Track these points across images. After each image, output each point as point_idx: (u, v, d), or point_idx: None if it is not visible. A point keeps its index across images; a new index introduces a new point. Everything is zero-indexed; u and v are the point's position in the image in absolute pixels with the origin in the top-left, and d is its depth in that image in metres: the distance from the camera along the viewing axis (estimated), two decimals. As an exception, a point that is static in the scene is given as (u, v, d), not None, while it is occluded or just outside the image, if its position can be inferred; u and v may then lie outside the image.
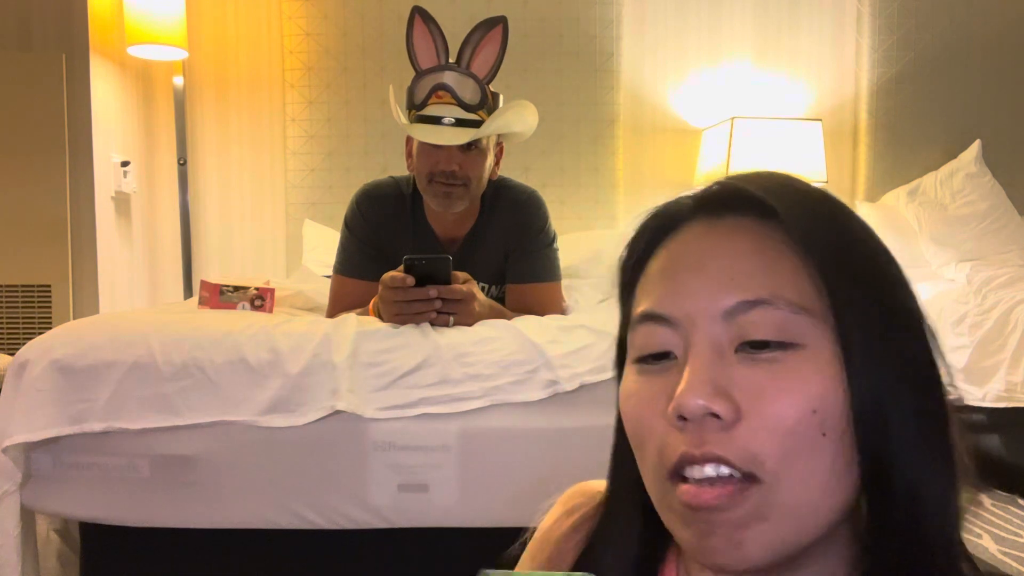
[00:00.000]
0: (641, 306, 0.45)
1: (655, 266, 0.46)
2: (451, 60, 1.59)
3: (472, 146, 1.57)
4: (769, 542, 0.40)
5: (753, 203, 0.44)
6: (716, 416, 0.40)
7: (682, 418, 0.40)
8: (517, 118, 1.62)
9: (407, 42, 1.59)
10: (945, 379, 0.44)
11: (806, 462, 0.39)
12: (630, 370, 0.46)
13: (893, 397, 0.41)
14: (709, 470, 0.40)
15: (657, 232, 0.48)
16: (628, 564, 0.49)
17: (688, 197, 0.48)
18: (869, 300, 0.42)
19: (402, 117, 1.60)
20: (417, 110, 1.57)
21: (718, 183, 0.47)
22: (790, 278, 0.42)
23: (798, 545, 0.40)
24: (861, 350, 0.41)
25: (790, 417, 0.39)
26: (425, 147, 1.58)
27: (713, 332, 0.42)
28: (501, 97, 1.62)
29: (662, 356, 0.44)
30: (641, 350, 0.45)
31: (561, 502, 0.58)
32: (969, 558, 0.43)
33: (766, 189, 0.44)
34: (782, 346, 0.41)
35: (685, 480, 0.41)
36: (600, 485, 0.55)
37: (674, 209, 0.48)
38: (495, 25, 1.58)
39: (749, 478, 0.39)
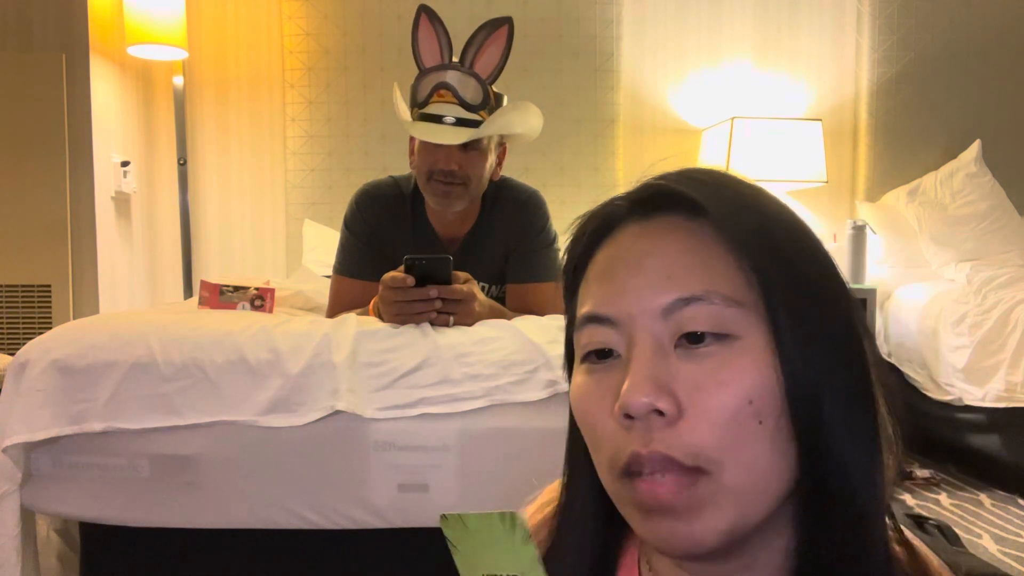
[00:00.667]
0: (584, 307, 0.47)
1: (595, 269, 0.48)
2: (455, 59, 1.59)
3: (472, 146, 1.57)
4: (721, 527, 0.42)
5: (683, 202, 0.46)
6: (660, 412, 0.41)
7: (628, 416, 0.42)
8: (519, 119, 1.62)
9: (412, 40, 1.59)
10: (871, 356, 0.46)
11: (747, 450, 0.42)
12: (579, 370, 0.47)
13: (824, 380, 0.43)
14: (659, 474, 0.42)
15: (594, 235, 0.49)
16: (589, 555, 0.51)
17: (621, 199, 0.49)
18: (798, 288, 0.44)
19: (404, 114, 1.60)
20: (419, 108, 1.57)
21: (648, 184, 0.48)
22: (722, 273, 0.44)
23: (747, 526, 0.43)
24: (792, 338, 0.43)
25: (728, 409, 0.41)
26: (425, 145, 1.58)
27: (653, 329, 0.43)
28: (505, 98, 1.62)
29: (606, 354, 0.45)
30: (586, 349, 0.46)
31: (539, 498, 0.60)
32: (899, 530, 0.46)
33: (695, 188, 0.46)
34: (718, 338, 0.43)
35: (639, 474, 0.43)
36: None
37: (609, 211, 0.49)
38: (500, 26, 1.57)
39: (696, 471, 0.41)
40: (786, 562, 0.45)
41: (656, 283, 0.44)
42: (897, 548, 0.46)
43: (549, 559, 0.51)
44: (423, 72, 1.58)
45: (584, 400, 0.46)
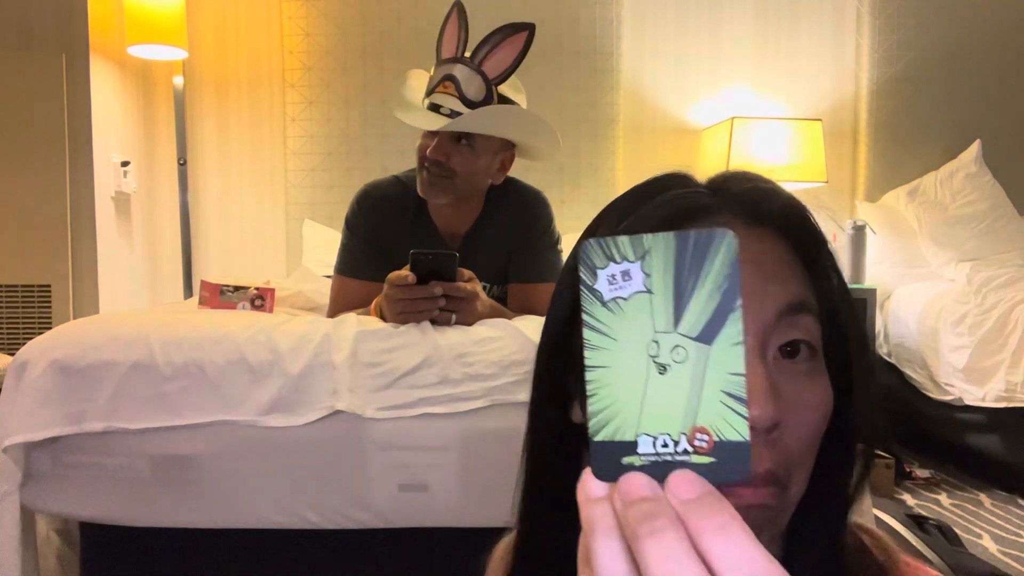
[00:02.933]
0: None
1: None
2: (467, 55, 1.61)
3: (465, 141, 1.57)
4: (774, 534, 0.43)
5: (783, 217, 0.45)
6: (774, 426, 0.40)
7: None
8: (502, 123, 1.60)
9: (440, 32, 1.63)
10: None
11: (808, 465, 0.43)
12: None
13: (847, 401, 0.45)
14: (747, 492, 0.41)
15: (665, 222, 0.45)
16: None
17: (702, 190, 0.47)
18: (850, 310, 0.46)
19: (398, 95, 1.66)
20: (427, 96, 1.61)
21: (753, 189, 0.46)
22: (811, 289, 0.45)
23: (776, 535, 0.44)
24: (840, 373, 0.45)
25: (811, 427, 0.42)
26: (424, 132, 1.61)
27: (764, 334, 0.42)
28: (520, 105, 1.64)
29: None
30: None
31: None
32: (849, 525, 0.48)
33: (787, 205, 0.46)
34: (810, 352, 0.43)
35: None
36: None
37: (689, 202, 0.46)
38: (519, 31, 1.59)
39: (780, 484, 0.41)
40: (778, 552, 0.47)
41: (773, 283, 0.42)
42: (850, 539, 0.48)
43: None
44: (437, 63, 1.62)
45: None
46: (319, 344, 1.33)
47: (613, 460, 0.27)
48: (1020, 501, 2.26)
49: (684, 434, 0.27)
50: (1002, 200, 2.93)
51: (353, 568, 1.40)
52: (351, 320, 1.42)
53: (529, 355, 1.36)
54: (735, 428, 0.27)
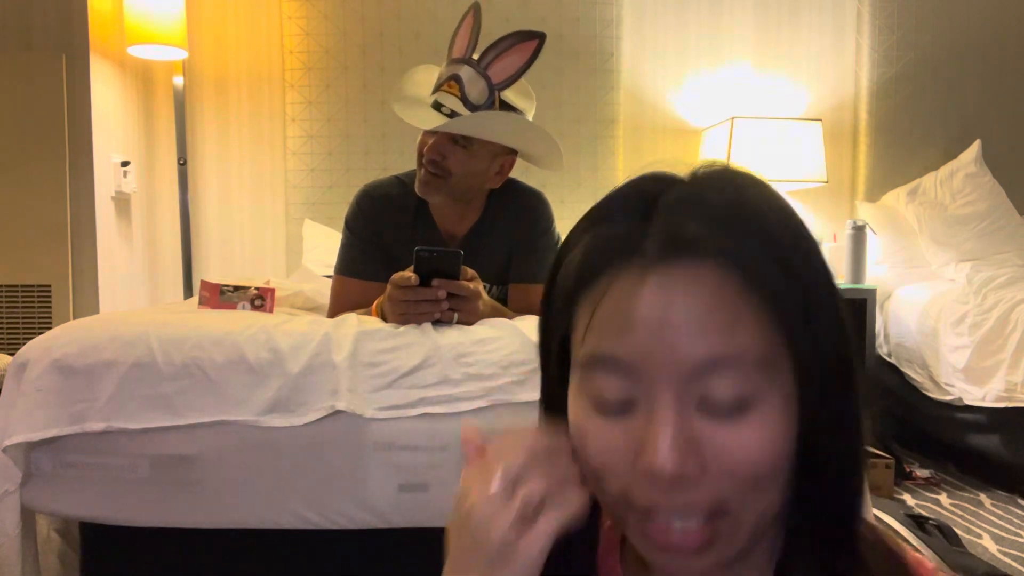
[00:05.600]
0: (597, 345, 0.45)
1: (608, 305, 0.44)
2: (475, 57, 1.61)
3: (462, 143, 1.57)
4: (725, 556, 0.44)
5: (712, 240, 0.42)
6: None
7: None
8: (497, 130, 1.60)
9: (455, 30, 1.63)
10: (859, 372, 0.46)
11: (763, 494, 0.44)
12: (586, 406, 0.45)
13: (833, 416, 0.44)
14: (677, 519, 0.43)
15: (604, 255, 0.45)
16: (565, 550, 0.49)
17: (635, 225, 0.44)
18: (823, 344, 0.44)
19: (399, 91, 1.67)
20: (433, 93, 1.62)
21: (668, 228, 0.43)
22: (751, 328, 0.42)
23: (744, 551, 0.45)
24: (813, 395, 0.43)
25: (751, 466, 0.42)
26: (424, 129, 1.61)
27: (679, 387, 0.42)
28: (527, 114, 1.65)
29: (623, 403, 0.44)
30: (599, 398, 0.45)
31: None
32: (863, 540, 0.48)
33: (724, 226, 0.42)
34: (741, 402, 0.42)
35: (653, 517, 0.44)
36: None
37: (623, 237, 0.45)
38: (529, 38, 1.58)
39: (716, 514, 0.43)
40: (771, 558, 0.48)
41: (685, 339, 0.41)
42: (869, 535, 0.49)
43: None
44: (447, 61, 1.62)
45: (595, 445, 0.45)
46: (319, 344, 1.33)
47: None
48: (1020, 501, 2.26)
49: None
50: (1002, 200, 2.92)
51: (353, 568, 1.40)
52: (351, 320, 1.42)
53: (529, 355, 1.36)
54: None
